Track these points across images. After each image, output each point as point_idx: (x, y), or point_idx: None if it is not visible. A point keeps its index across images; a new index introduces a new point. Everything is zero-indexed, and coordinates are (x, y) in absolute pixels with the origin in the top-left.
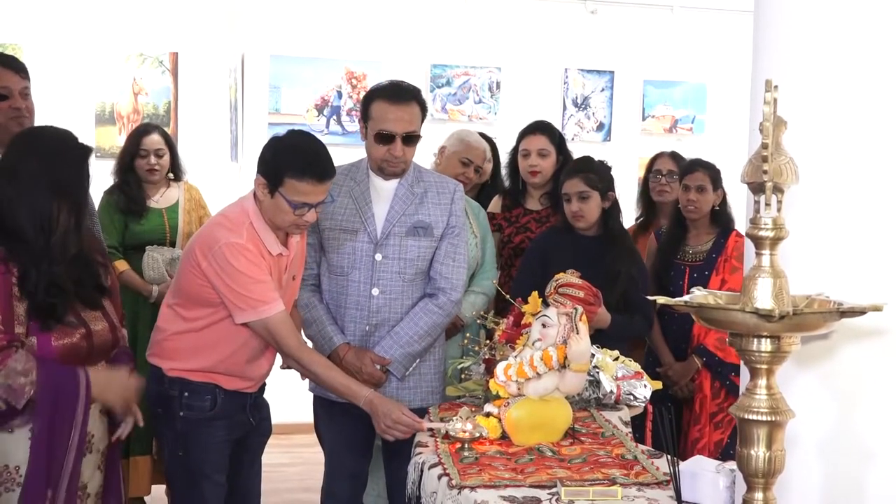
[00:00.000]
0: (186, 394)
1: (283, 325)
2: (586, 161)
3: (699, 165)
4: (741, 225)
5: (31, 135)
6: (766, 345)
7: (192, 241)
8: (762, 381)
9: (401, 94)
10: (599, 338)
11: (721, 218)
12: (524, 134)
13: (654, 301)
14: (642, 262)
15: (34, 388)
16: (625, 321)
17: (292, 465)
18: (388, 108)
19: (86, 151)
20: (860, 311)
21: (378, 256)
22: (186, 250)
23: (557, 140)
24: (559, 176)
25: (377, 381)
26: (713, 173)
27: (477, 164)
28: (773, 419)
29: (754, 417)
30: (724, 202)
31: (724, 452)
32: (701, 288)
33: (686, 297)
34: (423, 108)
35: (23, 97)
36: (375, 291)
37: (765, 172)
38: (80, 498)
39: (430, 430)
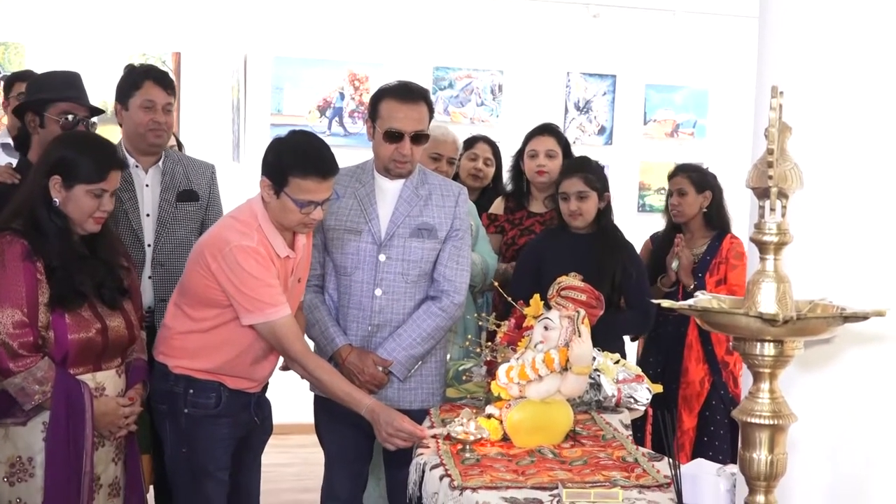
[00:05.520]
0: (192, 391)
1: (289, 329)
2: (584, 161)
3: (681, 170)
4: (740, 227)
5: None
6: (769, 349)
7: (201, 241)
8: (765, 385)
9: (410, 93)
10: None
11: (714, 220)
12: (532, 135)
13: (655, 301)
14: (638, 257)
15: (44, 398)
16: (613, 318)
17: (291, 465)
18: (397, 106)
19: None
20: (863, 316)
21: (382, 257)
22: (195, 251)
23: (563, 143)
24: None
25: (379, 383)
26: (697, 177)
27: (449, 157)
28: (776, 423)
29: (757, 421)
30: (713, 204)
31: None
32: (704, 292)
33: (690, 301)
34: (431, 109)
35: (165, 112)
36: (378, 292)
37: (770, 178)
38: (94, 489)
39: (433, 436)
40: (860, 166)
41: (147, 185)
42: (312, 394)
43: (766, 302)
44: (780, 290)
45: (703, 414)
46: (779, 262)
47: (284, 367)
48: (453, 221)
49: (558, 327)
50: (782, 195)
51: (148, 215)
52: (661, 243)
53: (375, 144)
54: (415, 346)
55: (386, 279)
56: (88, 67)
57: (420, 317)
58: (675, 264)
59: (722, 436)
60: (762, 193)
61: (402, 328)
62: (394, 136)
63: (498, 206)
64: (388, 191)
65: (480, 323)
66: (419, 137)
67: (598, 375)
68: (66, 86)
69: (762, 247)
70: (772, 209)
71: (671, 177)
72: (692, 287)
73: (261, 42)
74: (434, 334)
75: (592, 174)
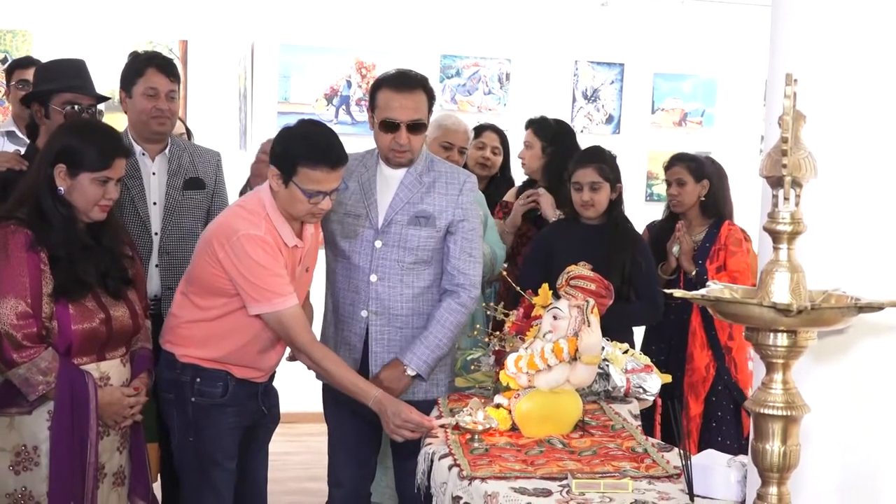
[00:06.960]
0: (199, 380)
1: (296, 319)
2: (598, 151)
3: (678, 160)
4: (745, 217)
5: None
6: (782, 339)
7: (209, 230)
8: (778, 376)
9: (406, 81)
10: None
11: (711, 209)
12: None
13: (665, 290)
14: (647, 249)
15: (48, 388)
16: (623, 308)
17: (298, 454)
18: (393, 96)
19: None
20: (878, 307)
21: (378, 243)
22: (202, 239)
23: (546, 134)
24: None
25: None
26: (694, 166)
27: (460, 146)
28: (789, 414)
29: (770, 412)
30: (711, 192)
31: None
32: (715, 280)
33: (702, 291)
34: (431, 97)
35: (168, 99)
36: (374, 278)
37: (783, 166)
38: (98, 479)
39: (442, 426)
40: (875, 155)
41: (154, 174)
42: (320, 382)
43: (780, 292)
44: (793, 279)
45: (709, 400)
46: (792, 252)
47: (291, 358)
48: (455, 210)
49: (567, 317)
50: (796, 184)
51: (155, 203)
52: (660, 232)
53: (375, 134)
54: (441, 347)
55: (382, 265)
56: (95, 55)
57: (443, 316)
58: (675, 249)
59: (728, 421)
60: (776, 182)
61: (428, 331)
62: (390, 126)
63: (511, 195)
64: (391, 178)
65: (489, 312)
66: (416, 126)
67: (607, 365)
68: (70, 75)
69: (776, 236)
70: (785, 198)
71: (668, 167)
72: (693, 273)
73: (268, 30)
74: (457, 330)
75: (606, 165)
